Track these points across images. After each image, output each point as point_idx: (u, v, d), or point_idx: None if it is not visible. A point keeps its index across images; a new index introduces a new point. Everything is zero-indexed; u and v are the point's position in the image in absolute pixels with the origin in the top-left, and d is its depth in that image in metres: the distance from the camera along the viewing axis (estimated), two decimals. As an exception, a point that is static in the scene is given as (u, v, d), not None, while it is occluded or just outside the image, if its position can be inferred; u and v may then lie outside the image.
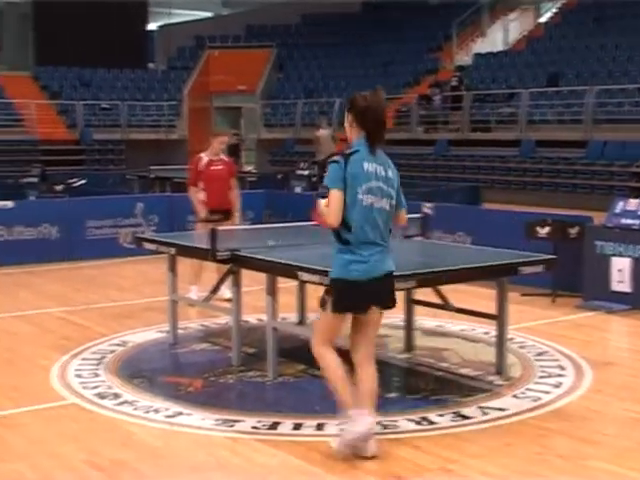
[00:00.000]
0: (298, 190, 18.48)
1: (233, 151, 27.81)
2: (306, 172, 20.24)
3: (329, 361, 5.21)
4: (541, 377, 6.84)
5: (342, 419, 5.22)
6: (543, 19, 30.48)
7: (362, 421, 5.04)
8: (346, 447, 5.12)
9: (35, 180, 18.06)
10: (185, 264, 8.35)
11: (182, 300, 8.33)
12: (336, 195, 4.99)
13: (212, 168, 9.68)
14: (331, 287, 5.18)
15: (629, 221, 9.43)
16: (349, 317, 5.27)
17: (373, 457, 5.10)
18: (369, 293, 5.12)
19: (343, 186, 4.98)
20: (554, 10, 30.39)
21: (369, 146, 5.07)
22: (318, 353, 5.26)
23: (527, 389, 6.54)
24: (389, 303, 5.26)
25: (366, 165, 5.03)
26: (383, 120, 5.13)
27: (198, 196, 9.67)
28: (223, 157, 9.88)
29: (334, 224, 5.02)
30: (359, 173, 5.01)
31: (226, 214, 9.60)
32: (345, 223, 5.03)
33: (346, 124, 5.13)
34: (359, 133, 5.11)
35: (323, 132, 24.64)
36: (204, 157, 9.73)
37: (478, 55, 28.89)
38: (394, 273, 5.25)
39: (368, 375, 5.23)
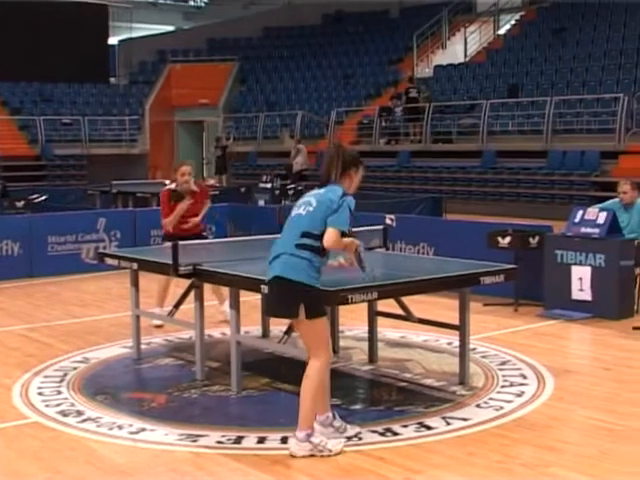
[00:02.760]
0: (261, 203, 18.49)
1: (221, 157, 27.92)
2: (269, 185, 20.27)
3: None
4: (503, 386, 6.89)
5: None
6: (502, 31, 30.73)
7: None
8: None
9: (-4, 196, 17.89)
10: (148, 279, 8.31)
11: (145, 315, 8.29)
12: None
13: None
14: None
15: (588, 230, 9.52)
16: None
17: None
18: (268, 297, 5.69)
19: None
20: (512, 22, 30.66)
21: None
22: None
23: (490, 398, 6.57)
24: (272, 311, 5.86)
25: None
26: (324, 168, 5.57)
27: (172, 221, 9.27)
28: (193, 187, 9.38)
29: None
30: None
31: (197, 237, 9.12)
32: None
33: None
34: None
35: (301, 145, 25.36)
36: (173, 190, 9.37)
37: (439, 67, 29.10)
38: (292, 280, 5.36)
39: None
